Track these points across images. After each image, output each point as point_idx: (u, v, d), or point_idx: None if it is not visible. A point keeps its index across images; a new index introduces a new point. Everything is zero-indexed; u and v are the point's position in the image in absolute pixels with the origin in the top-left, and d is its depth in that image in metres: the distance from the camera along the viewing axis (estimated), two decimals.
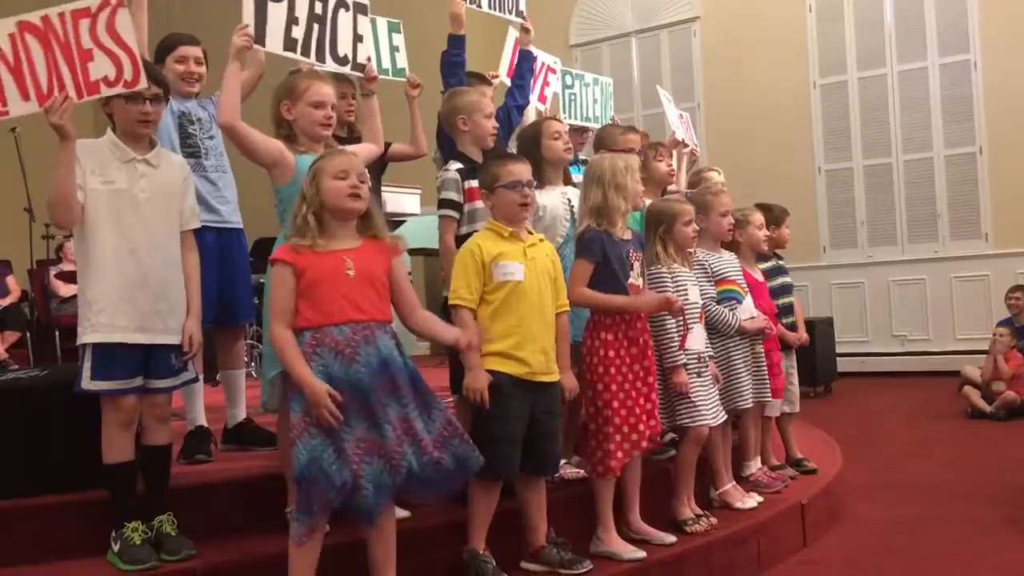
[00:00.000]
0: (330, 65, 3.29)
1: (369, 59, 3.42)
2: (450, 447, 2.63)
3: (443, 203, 3.43)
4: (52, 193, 2.77)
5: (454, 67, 3.99)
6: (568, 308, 3.15)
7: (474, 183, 3.31)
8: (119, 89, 2.85)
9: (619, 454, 3.18)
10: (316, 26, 3.20)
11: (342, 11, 3.27)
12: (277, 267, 2.65)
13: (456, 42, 4.03)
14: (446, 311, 3.05)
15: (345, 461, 2.50)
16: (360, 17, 3.35)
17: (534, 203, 3.14)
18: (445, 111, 3.61)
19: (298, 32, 3.17)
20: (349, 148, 3.33)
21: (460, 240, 3.31)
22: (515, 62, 4.42)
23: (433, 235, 3.56)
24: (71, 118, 2.78)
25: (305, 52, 3.23)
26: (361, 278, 2.65)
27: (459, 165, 3.46)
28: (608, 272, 3.24)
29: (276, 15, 3.12)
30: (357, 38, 3.34)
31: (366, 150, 3.39)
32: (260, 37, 3.11)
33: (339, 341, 2.57)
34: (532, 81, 4.52)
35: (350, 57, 3.34)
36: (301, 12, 3.17)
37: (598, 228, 3.26)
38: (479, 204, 3.25)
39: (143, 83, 2.87)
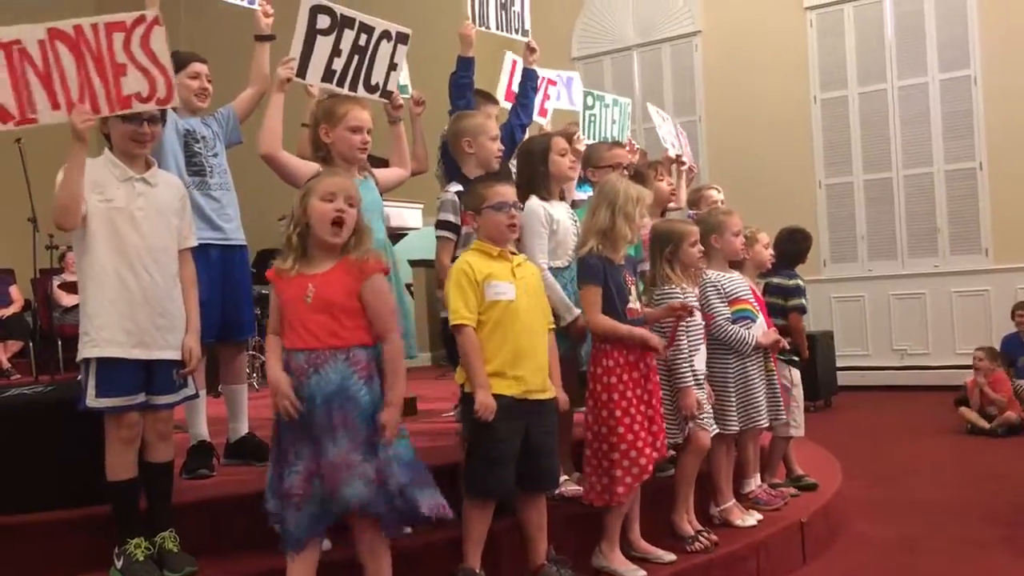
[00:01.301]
0: (360, 93, 3.32)
1: (398, 88, 3.44)
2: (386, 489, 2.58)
3: (441, 224, 3.46)
4: (60, 194, 2.77)
5: (462, 88, 4.00)
6: (554, 326, 3.17)
7: None
8: (151, 106, 2.86)
9: (627, 479, 3.17)
10: (356, 57, 3.24)
11: (384, 41, 3.29)
12: (271, 283, 2.75)
13: (465, 64, 4.04)
14: (446, 331, 3.07)
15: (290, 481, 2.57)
16: (400, 47, 3.36)
17: (520, 225, 3.14)
18: (450, 134, 3.64)
19: (338, 64, 3.22)
20: (378, 172, 3.38)
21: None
22: (519, 81, 4.43)
23: (435, 247, 3.60)
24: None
25: (340, 83, 3.27)
26: (317, 304, 2.62)
27: (458, 188, 3.48)
28: (607, 298, 3.25)
29: (322, 48, 3.16)
30: (392, 67, 3.36)
31: (395, 174, 3.46)
32: (302, 70, 3.15)
33: (295, 366, 2.62)
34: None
35: (381, 85, 3.37)
36: (346, 44, 3.22)
37: (599, 253, 3.27)
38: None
39: (176, 101, 2.91)
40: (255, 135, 3.29)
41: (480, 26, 4.19)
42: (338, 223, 2.64)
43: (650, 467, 3.21)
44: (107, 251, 2.84)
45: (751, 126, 9.32)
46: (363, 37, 3.24)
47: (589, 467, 3.25)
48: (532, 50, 4.36)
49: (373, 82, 3.33)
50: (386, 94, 3.41)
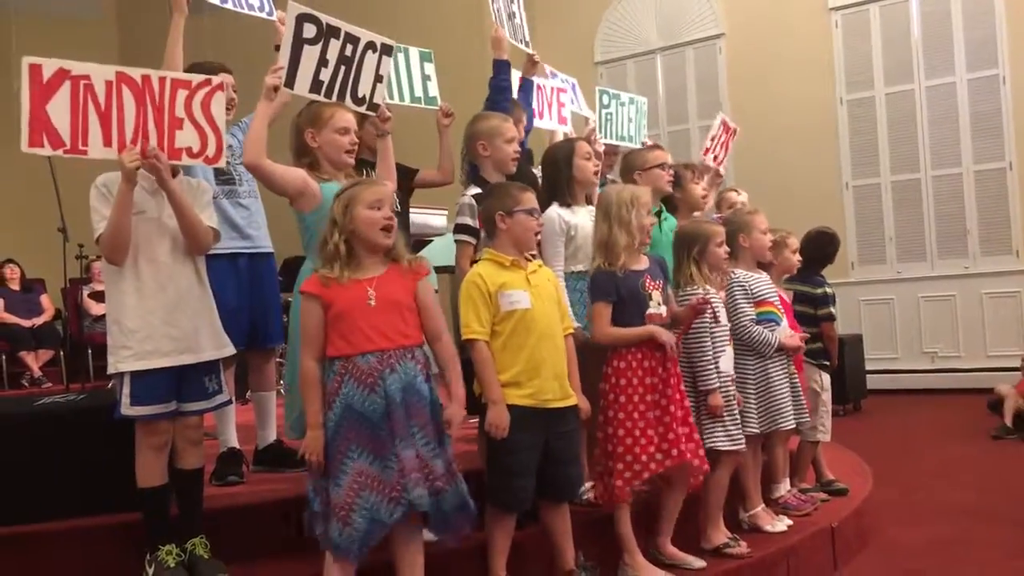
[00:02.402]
0: (348, 104, 3.31)
1: (384, 100, 3.41)
2: (455, 484, 2.66)
3: (459, 228, 3.45)
4: (110, 233, 2.81)
5: (504, 92, 3.98)
6: (572, 330, 3.17)
7: None
8: (198, 162, 2.99)
9: (619, 482, 3.17)
10: (343, 68, 3.23)
11: (369, 52, 3.30)
12: (305, 299, 2.71)
13: (501, 67, 4.03)
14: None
15: (339, 491, 2.55)
16: (384, 59, 3.37)
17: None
18: (466, 136, 3.63)
19: (325, 74, 3.21)
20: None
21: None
22: (516, 89, 4.41)
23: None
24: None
25: (328, 93, 3.26)
26: (383, 305, 2.68)
27: (476, 190, 3.48)
28: (620, 310, 3.25)
29: (309, 58, 3.16)
30: (377, 79, 3.36)
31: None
32: (290, 80, 3.15)
33: (363, 370, 2.62)
34: (546, 108, 4.54)
35: (367, 98, 3.36)
36: (332, 55, 3.20)
37: (606, 268, 3.27)
38: None
39: (223, 163, 3.02)
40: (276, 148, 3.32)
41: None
42: (387, 229, 2.72)
43: (646, 473, 3.16)
44: (143, 262, 2.88)
45: (776, 128, 9.25)
46: (348, 47, 3.24)
47: (600, 466, 3.25)
48: (534, 63, 4.36)
49: (360, 94, 3.32)
50: (372, 107, 3.39)
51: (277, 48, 3.75)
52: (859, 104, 9.11)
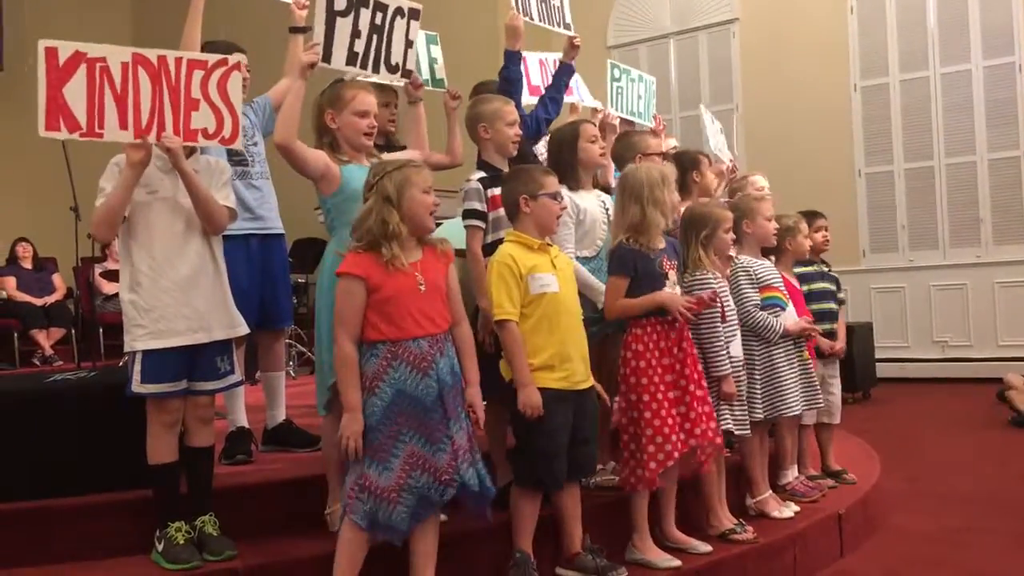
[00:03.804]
0: (383, 75, 3.27)
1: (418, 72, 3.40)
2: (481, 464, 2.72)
3: (468, 213, 3.43)
4: (102, 210, 2.82)
5: (515, 84, 3.89)
6: (583, 315, 3.16)
7: (497, 191, 3.30)
8: (214, 143, 2.98)
9: (652, 464, 3.16)
10: (375, 37, 3.19)
11: (398, 18, 3.25)
12: (348, 281, 2.64)
13: (512, 57, 3.92)
14: (475, 319, 3.08)
15: (390, 475, 2.56)
16: (412, 23, 3.33)
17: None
18: (467, 119, 3.61)
19: (359, 45, 3.16)
20: (399, 155, 3.36)
21: (485, 249, 3.33)
22: (553, 75, 4.33)
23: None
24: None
25: (364, 65, 3.22)
26: (431, 290, 2.70)
27: (481, 174, 3.46)
28: (636, 287, 3.24)
29: (342, 31, 3.12)
30: (408, 44, 3.32)
31: (408, 156, 3.41)
32: (327, 54, 3.10)
33: (416, 355, 2.62)
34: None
35: (400, 65, 3.32)
36: (364, 25, 3.16)
37: (631, 244, 3.26)
38: (503, 212, 3.24)
39: (239, 144, 3.03)
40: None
41: (524, 16, 4.10)
42: (433, 214, 2.73)
43: (675, 454, 3.17)
44: (159, 242, 2.89)
45: (789, 114, 9.20)
46: (379, 16, 3.19)
47: (627, 452, 3.24)
48: (575, 46, 4.25)
49: (393, 62, 3.28)
50: (406, 73, 3.37)
51: (292, 30, 3.75)
52: (873, 90, 9.05)
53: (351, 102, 3.12)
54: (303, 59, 3.07)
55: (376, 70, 3.24)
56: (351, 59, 3.17)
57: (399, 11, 3.25)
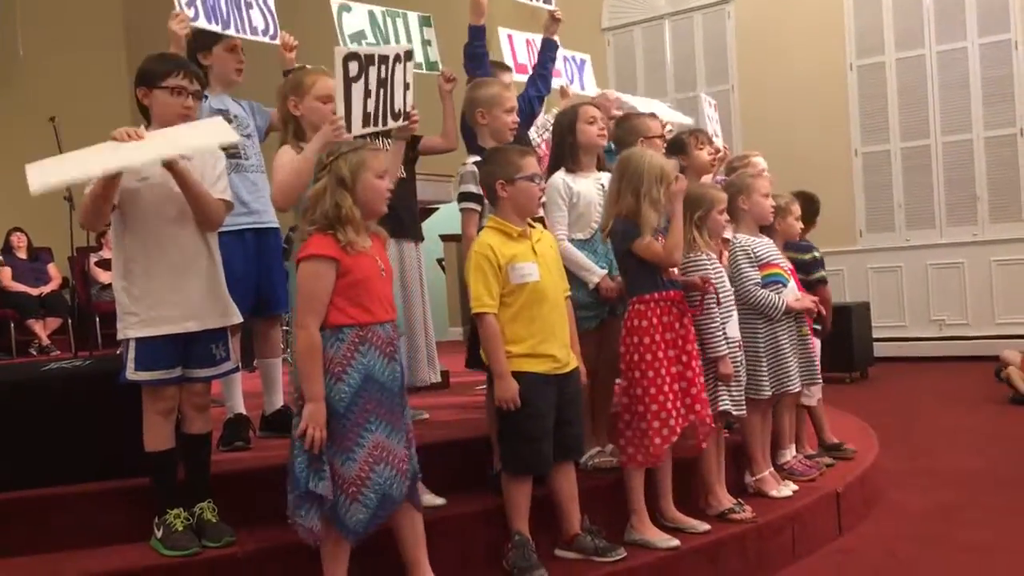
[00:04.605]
0: (390, 125, 3.19)
1: (414, 106, 3.28)
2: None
3: (464, 196, 3.42)
4: (88, 199, 2.79)
5: (479, 59, 3.93)
6: (569, 292, 3.17)
7: None
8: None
9: (657, 440, 3.17)
10: (382, 91, 3.12)
11: (397, 65, 3.18)
12: (317, 263, 2.55)
13: (476, 32, 3.97)
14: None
15: (353, 465, 2.52)
16: (408, 64, 3.26)
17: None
18: (465, 104, 3.59)
19: (371, 105, 3.09)
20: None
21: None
22: (538, 51, 4.33)
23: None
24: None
25: (375, 122, 3.13)
26: (388, 274, 2.70)
27: (476, 158, 3.46)
28: (638, 266, 3.25)
29: (357, 96, 3.05)
30: (406, 87, 3.25)
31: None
32: (348, 124, 3.02)
33: (383, 339, 2.60)
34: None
35: (402, 109, 3.24)
36: (372, 83, 3.09)
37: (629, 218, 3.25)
38: None
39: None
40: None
41: None
42: (385, 200, 2.70)
43: (678, 429, 3.18)
44: (151, 229, 2.87)
45: (785, 94, 9.17)
46: (383, 70, 3.14)
47: (629, 430, 3.24)
48: (556, 20, 4.26)
49: (396, 109, 3.23)
50: (406, 116, 3.30)
51: (285, 74, 3.67)
52: (869, 69, 9.02)
53: (312, 87, 3.14)
54: (328, 133, 2.95)
55: (384, 123, 3.17)
56: (366, 120, 3.10)
57: (397, 58, 3.21)
